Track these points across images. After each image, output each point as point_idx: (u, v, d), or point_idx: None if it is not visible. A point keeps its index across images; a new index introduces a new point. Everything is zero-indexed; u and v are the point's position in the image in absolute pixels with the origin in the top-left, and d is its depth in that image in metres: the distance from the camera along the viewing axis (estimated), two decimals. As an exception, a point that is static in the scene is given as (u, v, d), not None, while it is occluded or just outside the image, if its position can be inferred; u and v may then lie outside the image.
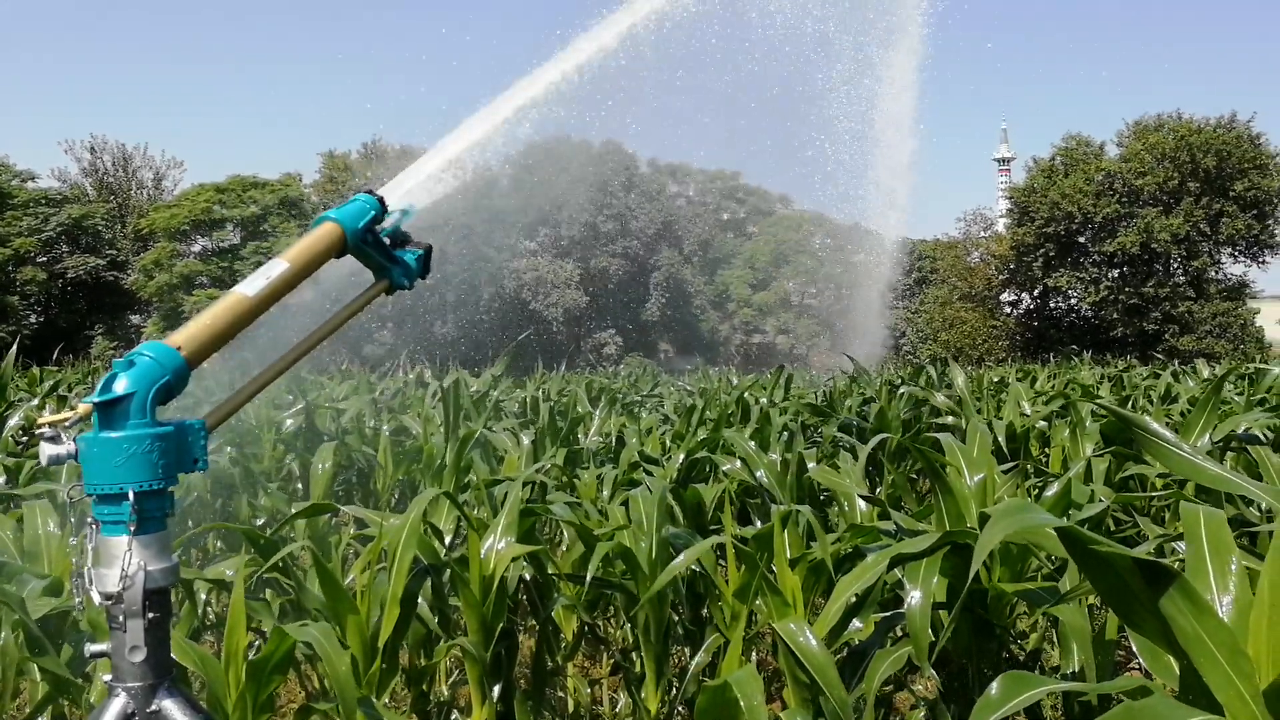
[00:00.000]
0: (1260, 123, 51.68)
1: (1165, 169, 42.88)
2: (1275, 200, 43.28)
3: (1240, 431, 5.18)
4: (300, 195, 52.49)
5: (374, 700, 3.23)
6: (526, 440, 6.20)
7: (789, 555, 3.97)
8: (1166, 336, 41.79)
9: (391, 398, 12.13)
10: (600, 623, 5.79)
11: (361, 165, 56.47)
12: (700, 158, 65.77)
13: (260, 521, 6.92)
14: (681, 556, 3.49)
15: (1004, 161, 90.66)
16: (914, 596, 2.73)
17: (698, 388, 16.45)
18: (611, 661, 5.15)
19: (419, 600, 3.89)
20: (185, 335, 1.96)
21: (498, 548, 3.73)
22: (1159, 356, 27.29)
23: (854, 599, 2.95)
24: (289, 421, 8.40)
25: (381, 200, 2.45)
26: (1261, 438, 5.18)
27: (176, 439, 1.87)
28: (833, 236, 61.95)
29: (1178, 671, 1.91)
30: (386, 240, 2.49)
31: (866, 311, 53.21)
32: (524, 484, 5.07)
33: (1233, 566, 2.00)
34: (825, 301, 61.12)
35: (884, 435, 6.08)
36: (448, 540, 4.60)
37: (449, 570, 3.85)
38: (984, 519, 2.57)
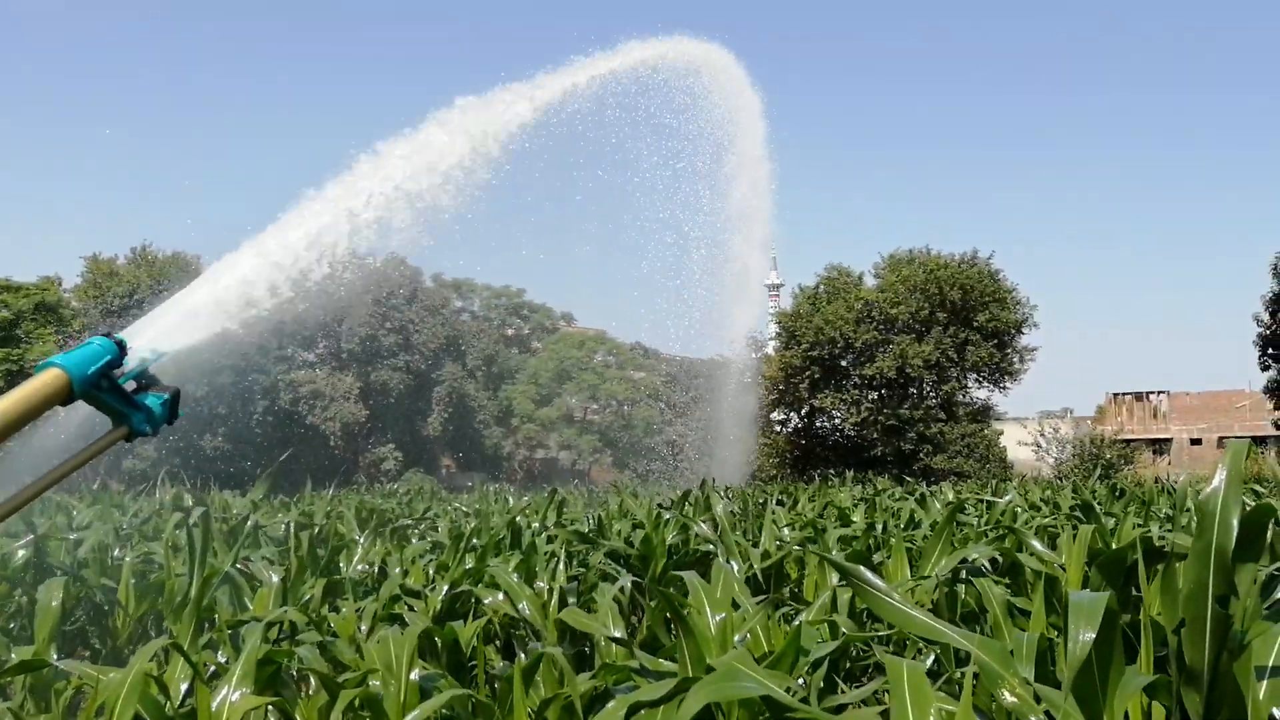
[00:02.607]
0: (997, 260, 56.51)
1: (917, 299, 46.27)
2: (1012, 331, 47.49)
3: (968, 560, 5.55)
4: (59, 301, 49.21)
5: None
6: (275, 577, 5.93)
7: (543, 695, 3.96)
8: (922, 455, 44.51)
9: (143, 522, 11.34)
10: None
11: (130, 271, 53.67)
12: (484, 273, 66.42)
13: (-24, 667, 6.28)
14: (417, 710, 3.40)
15: (774, 287, 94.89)
16: (650, 745, 2.77)
17: (474, 508, 16.22)
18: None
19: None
20: None
21: (231, 699, 3.53)
22: (907, 479, 29.03)
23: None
24: (20, 552, 7.70)
25: (120, 344, 2.34)
26: (986, 568, 5.58)
27: None
28: (614, 354, 63.37)
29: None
30: (130, 385, 2.37)
31: (646, 428, 54.30)
32: (274, 623, 4.85)
33: (930, 717, 2.14)
34: (606, 418, 62.05)
35: (635, 579, 6.18)
36: (184, 687, 4.32)
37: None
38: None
